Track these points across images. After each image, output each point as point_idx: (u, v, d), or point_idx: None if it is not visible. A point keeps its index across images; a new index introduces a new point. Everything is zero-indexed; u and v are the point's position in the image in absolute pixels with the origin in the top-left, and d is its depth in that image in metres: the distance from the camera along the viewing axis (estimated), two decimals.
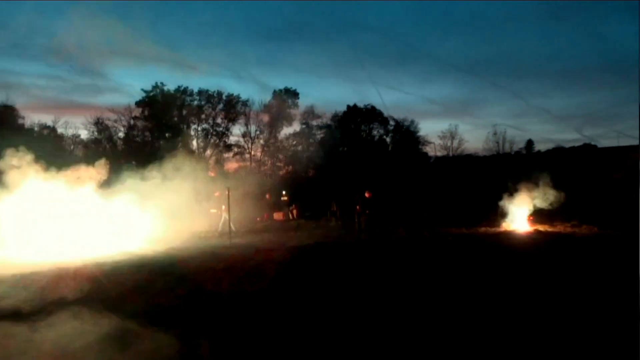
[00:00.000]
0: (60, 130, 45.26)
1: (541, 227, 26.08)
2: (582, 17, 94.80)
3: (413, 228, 27.62)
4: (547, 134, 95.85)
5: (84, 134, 46.28)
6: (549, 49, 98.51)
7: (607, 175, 33.98)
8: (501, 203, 27.77)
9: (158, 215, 27.91)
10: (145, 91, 46.04)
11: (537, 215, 26.90)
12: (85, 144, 45.92)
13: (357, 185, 42.01)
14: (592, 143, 53.82)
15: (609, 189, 31.84)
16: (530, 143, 54.91)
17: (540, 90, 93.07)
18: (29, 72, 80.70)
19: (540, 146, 55.46)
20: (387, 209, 36.63)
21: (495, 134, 50.54)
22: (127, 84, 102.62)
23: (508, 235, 23.64)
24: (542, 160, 45.01)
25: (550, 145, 57.78)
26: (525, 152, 53.21)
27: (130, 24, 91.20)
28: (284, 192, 37.25)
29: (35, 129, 43.42)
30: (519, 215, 26.96)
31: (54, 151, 31.98)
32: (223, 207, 26.02)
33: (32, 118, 44.38)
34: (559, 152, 49.70)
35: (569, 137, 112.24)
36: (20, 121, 42.42)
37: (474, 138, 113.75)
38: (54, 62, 78.38)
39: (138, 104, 46.18)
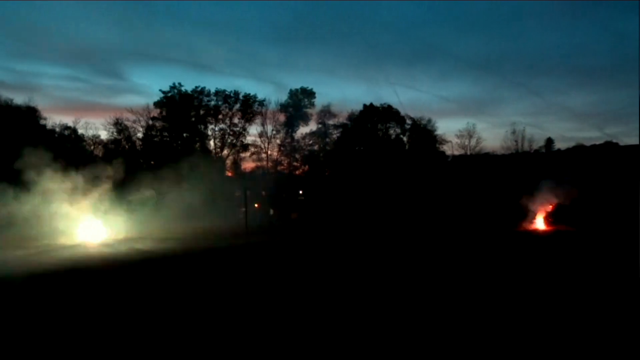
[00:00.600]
0: (80, 131, 45.94)
1: (562, 227, 25.71)
2: (603, 13, 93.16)
3: (431, 228, 27.44)
4: (567, 132, 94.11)
5: (103, 135, 46.92)
6: (569, 45, 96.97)
7: (629, 174, 33.29)
8: (520, 202, 27.45)
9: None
10: (163, 92, 46.46)
11: (558, 214, 26.53)
12: (105, 144, 46.51)
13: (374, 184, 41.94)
14: (614, 141, 52.72)
15: (632, 188, 31.16)
16: (549, 141, 54.02)
17: (559, 87, 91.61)
18: (50, 74, 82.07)
19: (560, 144, 54.58)
20: (405, 208, 36.45)
21: (513, 132, 49.68)
22: (146, 85, 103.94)
23: (527, 236, 23.32)
24: (562, 159, 44.27)
25: (570, 144, 56.74)
26: (544, 150, 52.35)
27: (149, 26, 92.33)
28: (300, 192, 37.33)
29: (57, 129, 44.12)
30: (539, 214, 26.62)
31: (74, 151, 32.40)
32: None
33: (54, 119, 45.12)
34: (579, 151, 48.81)
35: (590, 135, 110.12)
36: (42, 122, 43.15)
37: (492, 136, 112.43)
38: (74, 64, 79.91)
39: (156, 104, 46.59)
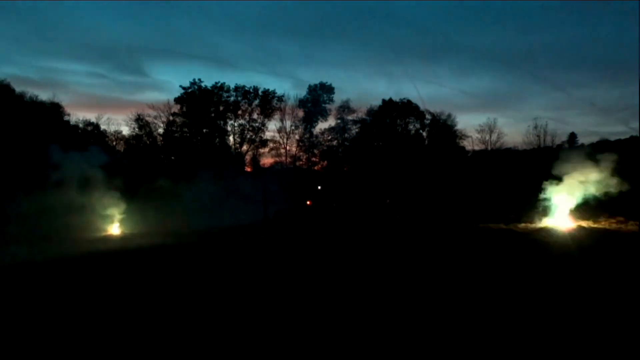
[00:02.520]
0: (103, 127, 46.81)
1: (584, 223, 25.25)
2: (627, 6, 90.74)
3: (450, 223, 27.24)
4: (591, 126, 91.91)
5: (125, 130, 47.70)
6: (592, 38, 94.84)
7: None
8: (542, 198, 27.02)
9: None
10: (183, 88, 46.91)
11: (581, 210, 26.05)
12: (127, 140, 47.27)
13: (392, 179, 41.79)
14: None
15: None
16: (573, 136, 53.02)
17: (583, 81, 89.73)
18: (74, 70, 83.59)
19: (583, 139, 53.45)
20: (424, 203, 36.21)
21: (535, 127, 48.89)
22: (167, 81, 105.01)
23: (549, 232, 22.98)
24: (585, 154, 43.35)
25: (594, 139, 55.57)
26: (567, 145, 51.36)
27: (170, 22, 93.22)
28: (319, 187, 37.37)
29: (80, 125, 45.00)
30: (561, 210, 26.17)
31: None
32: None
33: (77, 115, 46.09)
34: (603, 146, 47.75)
35: (615, 129, 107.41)
36: (66, 118, 44.09)
37: (514, 132, 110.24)
38: (97, 60, 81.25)
39: (177, 100, 47.09)
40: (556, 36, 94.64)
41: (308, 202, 41.95)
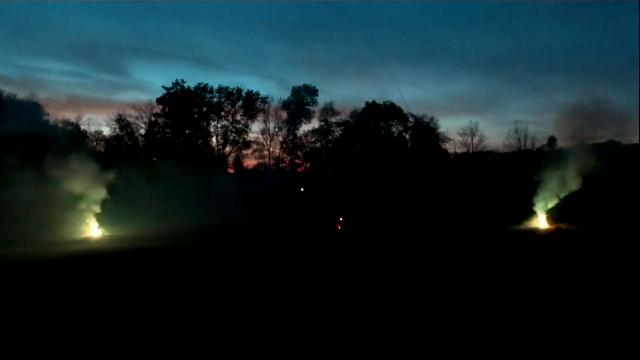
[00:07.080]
0: (83, 127, 45.90)
1: (563, 225, 25.69)
2: (606, 12, 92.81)
3: (432, 225, 27.47)
4: (570, 130, 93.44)
5: (106, 131, 46.90)
6: (572, 44, 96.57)
7: (631, 172, 33.16)
8: (522, 201, 27.44)
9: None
10: (166, 88, 46.32)
11: (560, 212, 26.51)
12: (107, 141, 46.50)
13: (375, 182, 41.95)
14: (617, 140, 52.40)
15: (634, 186, 31.06)
16: (552, 140, 53.91)
17: (563, 85, 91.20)
18: (53, 69, 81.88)
19: (562, 143, 54.33)
20: (406, 206, 36.42)
21: (516, 130, 49.77)
22: (149, 82, 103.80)
23: (528, 234, 23.32)
24: (564, 157, 44.11)
25: (573, 142, 56.37)
26: (547, 148, 52.24)
27: (152, 22, 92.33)
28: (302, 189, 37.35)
29: (59, 125, 44.09)
30: (541, 213, 26.60)
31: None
32: None
33: (56, 115, 45.04)
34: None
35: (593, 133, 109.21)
36: (44, 118, 43.15)
37: (495, 135, 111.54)
38: (77, 59, 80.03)
39: (159, 101, 46.47)
40: (537, 41, 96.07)
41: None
